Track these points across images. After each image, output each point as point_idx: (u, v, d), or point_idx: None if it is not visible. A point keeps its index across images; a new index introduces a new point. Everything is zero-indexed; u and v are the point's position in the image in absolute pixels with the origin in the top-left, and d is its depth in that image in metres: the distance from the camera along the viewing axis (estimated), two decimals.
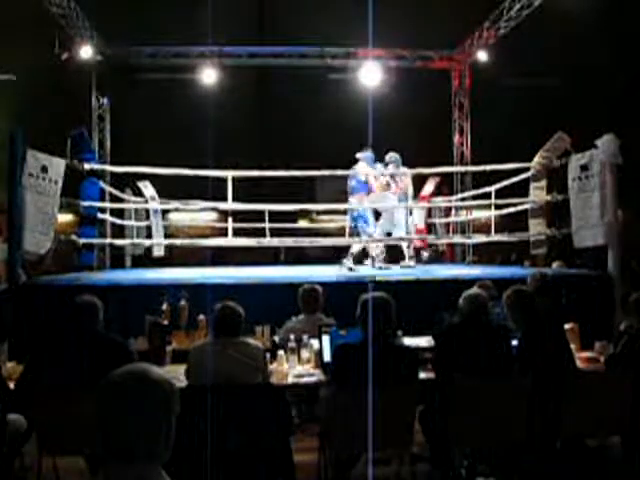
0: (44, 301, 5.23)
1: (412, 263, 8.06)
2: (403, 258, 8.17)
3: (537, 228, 7.76)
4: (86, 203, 7.95)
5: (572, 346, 3.96)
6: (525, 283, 4.98)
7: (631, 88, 13.09)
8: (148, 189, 8.94)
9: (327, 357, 3.84)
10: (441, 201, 10.39)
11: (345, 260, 7.60)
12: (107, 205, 9.00)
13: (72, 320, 3.47)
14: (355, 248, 7.82)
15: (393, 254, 8.32)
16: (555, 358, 3.60)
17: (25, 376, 3.40)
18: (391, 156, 8.01)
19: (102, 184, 8.70)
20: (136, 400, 1.46)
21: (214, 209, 8.70)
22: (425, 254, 8.20)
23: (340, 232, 9.10)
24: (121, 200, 9.26)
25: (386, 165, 8.02)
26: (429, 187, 9.87)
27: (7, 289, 5.47)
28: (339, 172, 7.81)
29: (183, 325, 4.88)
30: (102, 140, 11.19)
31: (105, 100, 11.21)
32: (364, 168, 7.80)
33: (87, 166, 7.56)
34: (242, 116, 13.84)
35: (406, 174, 8.02)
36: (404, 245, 8.14)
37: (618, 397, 3.42)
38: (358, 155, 7.88)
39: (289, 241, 8.05)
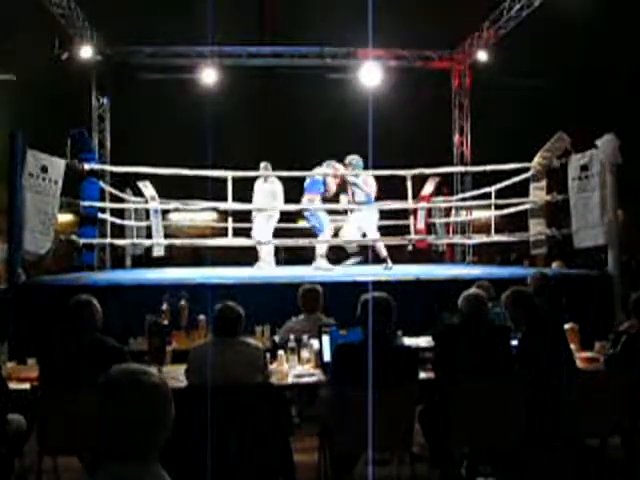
0: (44, 301, 5.23)
1: (330, 266, 7.73)
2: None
3: (537, 228, 7.75)
4: (86, 203, 7.95)
5: (572, 346, 3.96)
6: (525, 283, 4.99)
7: (631, 88, 13.09)
8: (148, 189, 8.94)
9: (327, 357, 3.84)
10: (441, 201, 10.39)
11: (318, 263, 7.56)
12: (107, 205, 9.00)
13: (67, 321, 3.46)
14: (323, 249, 7.68)
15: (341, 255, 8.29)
16: (555, 358, 3.60)
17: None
18: (352, 158, 7.76)
19: (102, 184, 8.70)
20: (133, 399, 1.47)
21: (214, 209, 8.69)
22: (353, 260, 8.02)
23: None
24: (121, 200, 9.26)
25: (345, 167, 7.80)
26: (429, 187, 9.87)
27: (7, 289, 5.47)
28: (339, 172, 7.80)
29: (183, 325, 4.87)
30: (102, 140, 11.20)
31: (105, 100, 11.22)
32: (328, 169, 7.75)
33: (87, 166, 7.56)
34: (242, 116, 13.84)
35: (370, 177, 7.79)
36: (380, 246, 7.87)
37: (618, 397, 3.42)
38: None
39: (289, 241, 8.05)
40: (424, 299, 5.45)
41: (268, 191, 8.28)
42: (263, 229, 8.26)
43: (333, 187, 7.82)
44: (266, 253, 8.33)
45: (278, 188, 8.30)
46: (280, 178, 8.35)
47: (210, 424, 2.81)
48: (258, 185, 8.39)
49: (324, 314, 4.49)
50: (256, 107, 14.28)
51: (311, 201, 7.69)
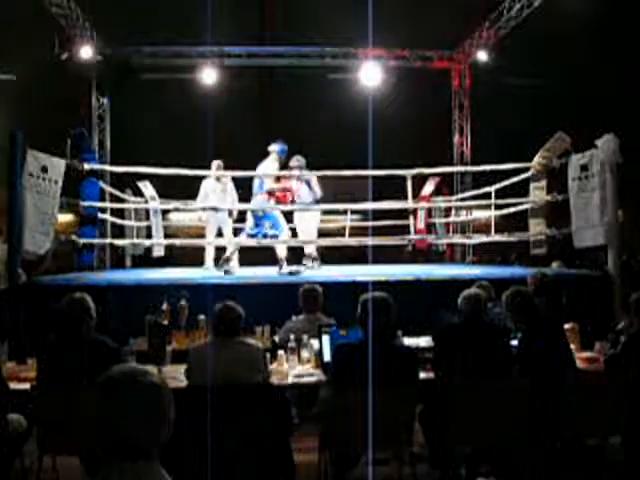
0: (44, 301, 5.23)
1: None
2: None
3: (537, 228, 7.76)
4: (86, 203, 7.95)
5: (572, 346, 3.96)
6: (525, 283, 4.99)
7: (631, 88, 13.08)
8: (148, 189, 8.94)
9: (327, 357, 3.84)
10: (441, 201, 10.40)
11: (283, 267, 7.45)
12: (107, 205, 9.00)
13: (62, 320, 3.46)
14: (283, 252, 7.29)
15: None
16: (555, 358, 3.60)
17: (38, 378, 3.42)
18: (300, 159, 7.63)
19: (102, 184, 8.70)
20: (133, 398, 1.47)
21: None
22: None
23: (340, 232, 9.12)
24: (121, 200, 9.26)
25: (290, 169, 7.60)
26: (429, 187, 9.87)
27: (7, 289, 5.47)
28: (338, 172, 7.80)
29: (183, 325, 4.87)
30: (102, 140, 11.21)
31: (105, 100, 11.22)
32: (272, 163, 7.41)
33: (87, 166, 7.56)
34: (242, 116, 13.84)
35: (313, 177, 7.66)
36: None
37: (618, 397, 3.42)
38: (270, 148, 7.49)
39: (290, 241, 8.05)
40: (424, 299, 5.45)
41: (222, 189, 8.18)
42: (230, 228, 8.24)
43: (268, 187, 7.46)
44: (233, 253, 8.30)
45: (232, 186, 8.24)
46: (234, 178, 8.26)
47: (210, 424, 2.81)
48: (210, 184, 8.15)
49: (324, 314, 4.49)
50: (256, 107, 14.28)
51: (261, 201, 7.35)
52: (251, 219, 7.34)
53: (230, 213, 8.31)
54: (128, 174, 8.24)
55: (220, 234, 8.35)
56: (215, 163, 8.09)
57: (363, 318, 3.40)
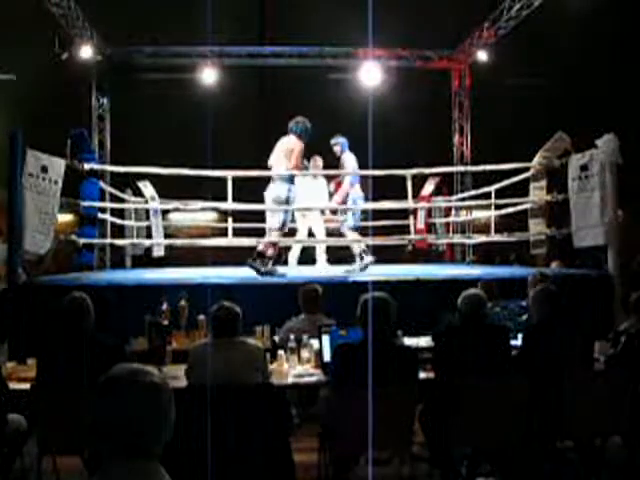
0: (44, 301, 5.22)
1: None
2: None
3: (537, 228, 7.76)
4: (86, 203, 7.94)
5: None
6: (525, 283, 4.99)
7: (631, 88, 13.09)
8: (148, 189, 8.93)
9: (327, 357, 3.84)
10: (441, 201, 10.39)
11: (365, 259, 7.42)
12: (107, 205, 9.00)
13: (62, 320, 3.47)
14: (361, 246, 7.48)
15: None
16: (569, 355, 3.58)
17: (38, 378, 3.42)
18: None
19: (102, 184, 8.70)
20: (134, 398, 1.47)
21: (214, 209, 8.69)
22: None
23: (340, 232, 9.10)
24: (121, 200, 9.25)
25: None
26: (429, 187, 9.87)
27: (7, 289, 5.47)
28: (338, 172, 7.80)
29: (183, 325, 4.88)
30: (102, 140, 11.20)
31: (105, 100, 11.22)
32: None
33: (87, 166, 7.55)
34: (242, 116, 13.83)
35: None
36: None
37: (618, 397, 3.42)
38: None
39: (289, 241, 8.05)
40: (424, 299, 5.45)
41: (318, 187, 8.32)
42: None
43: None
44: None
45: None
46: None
47: (210, 424, 2.81)
48: (308, 182, 8.25)
49: (324, 314, 4.49)
50: (256, 107, 14.27)
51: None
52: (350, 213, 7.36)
53: (322, 212, 8.35)
54: (128, 174, 8.24)
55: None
56: (313, 160, 8.14)
57: (363, 318, 3.40)
